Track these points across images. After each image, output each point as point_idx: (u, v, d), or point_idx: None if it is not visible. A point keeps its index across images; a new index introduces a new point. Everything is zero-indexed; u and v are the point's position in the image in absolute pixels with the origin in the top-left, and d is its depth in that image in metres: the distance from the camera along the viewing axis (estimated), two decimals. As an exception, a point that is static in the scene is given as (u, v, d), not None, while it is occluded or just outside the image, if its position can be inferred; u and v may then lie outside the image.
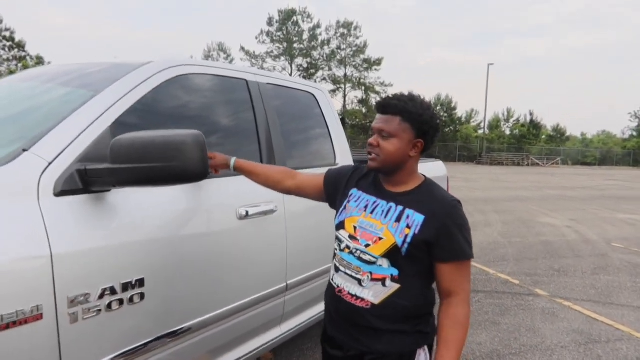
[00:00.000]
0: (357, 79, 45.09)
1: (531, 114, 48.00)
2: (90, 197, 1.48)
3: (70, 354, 1.38)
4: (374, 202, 1.52)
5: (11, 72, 31.95)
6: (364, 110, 44.53)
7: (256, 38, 44.19)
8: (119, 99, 1.69)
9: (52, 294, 1.31)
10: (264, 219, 2.14)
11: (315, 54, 44.65)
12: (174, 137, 1.41)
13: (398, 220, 1.44)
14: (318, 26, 43.96)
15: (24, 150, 1.42)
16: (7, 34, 36.43)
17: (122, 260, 1.52)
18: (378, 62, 44.24)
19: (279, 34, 43.84)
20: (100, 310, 1.44)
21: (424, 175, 1.56)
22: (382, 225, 1.46)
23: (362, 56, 44.35)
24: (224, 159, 1.76)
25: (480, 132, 46.42)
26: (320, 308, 2.64)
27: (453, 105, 45.93)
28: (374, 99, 45.09)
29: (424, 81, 77.19)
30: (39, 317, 1.28)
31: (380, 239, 1.45)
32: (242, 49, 43.86)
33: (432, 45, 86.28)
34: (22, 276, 1.25)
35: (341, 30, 43.99)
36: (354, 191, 1.60)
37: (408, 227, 1.42)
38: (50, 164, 1.41)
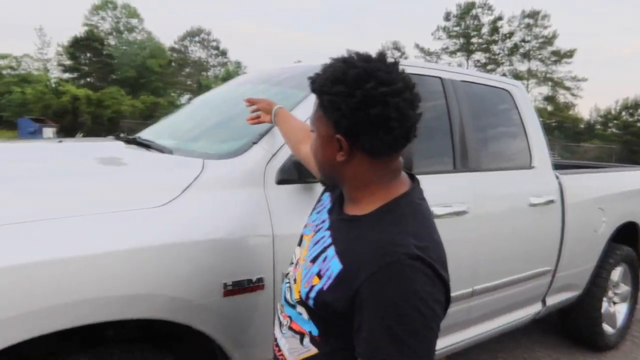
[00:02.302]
0: (543, 74, 40.86)
1: None
2: (302, 187, 1.65)
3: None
4: (322, 221, 1.05)
5: (216, 77, 37.46)
6: (549, 108, 40.09)
7: (432, 34, 43.33)
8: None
9: (272, 269, 1.50)
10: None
11: (495, 48, 41.87)
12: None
13: (314, 259, 0.96)
14: (500, 18, 41.06)
15: (254, 143, 1.66)
16: (214, 44, 42.87)
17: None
18: (569, 54, 39.38)
19: (456, 28, 42.25)
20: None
21: (405, 193, 0.94)
22: (304, 261, 1.01)
23: (549, 48, 40.01)
24: (267, 104, 1.63)
25: None
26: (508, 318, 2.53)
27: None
28: (562, 96, 40.39)
29: (627, 74, 65.82)
30: (262, 287, 1.48)
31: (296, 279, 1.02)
32: (417, 46, 43.57)
33: (637, 31, 72.91)
34: (252, 252, 1.47)
35: (526, 20, 40.35)
36: (325, 196, 1.14)
37: (319, 275, 0.92)
38: (274, 155, 1.62)
